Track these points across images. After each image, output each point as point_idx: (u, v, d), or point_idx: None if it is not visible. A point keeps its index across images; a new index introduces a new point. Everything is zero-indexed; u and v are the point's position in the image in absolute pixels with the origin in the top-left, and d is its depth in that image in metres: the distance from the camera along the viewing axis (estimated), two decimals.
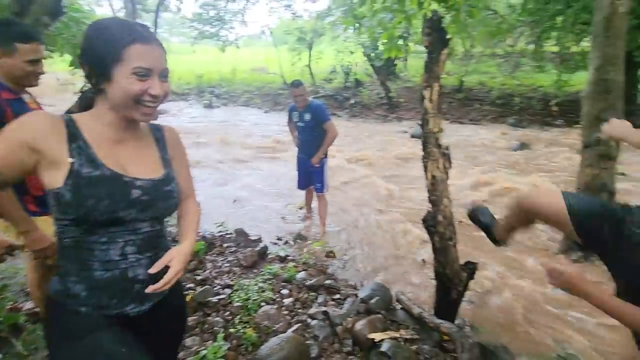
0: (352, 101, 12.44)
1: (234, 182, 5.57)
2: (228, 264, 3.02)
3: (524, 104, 10.39)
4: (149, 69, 0.88)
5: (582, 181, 3.34)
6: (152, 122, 1.03)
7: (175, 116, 11.21)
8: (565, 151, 7.03)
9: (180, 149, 1.12)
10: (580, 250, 3.28)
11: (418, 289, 2.90)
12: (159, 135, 1.07)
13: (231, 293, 2.49)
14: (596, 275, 3.02)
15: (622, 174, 5.13)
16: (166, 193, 0.99)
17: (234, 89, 15.39)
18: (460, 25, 3.25)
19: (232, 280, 2.70)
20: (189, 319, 2.23)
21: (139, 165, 0.97)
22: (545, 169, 6.04)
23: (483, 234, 1.89)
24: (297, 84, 3.56)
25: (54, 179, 0.85)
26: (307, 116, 3.58)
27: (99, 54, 0.87)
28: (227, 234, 3.64)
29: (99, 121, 0.92)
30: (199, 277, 2.71)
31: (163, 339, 1.07)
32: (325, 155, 3.69)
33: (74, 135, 0.88)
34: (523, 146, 7.42)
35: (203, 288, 2.47)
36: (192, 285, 2.61)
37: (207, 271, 2.86)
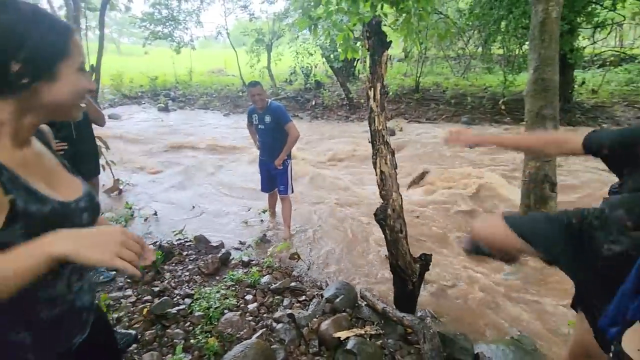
0: (313, 102, 12.49)
1: (193, 187, 5.38)
2: (188, 273, 2.90)
3: (475, 103, 10.99)
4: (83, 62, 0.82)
5: (526, 173, 3.59)
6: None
7: (128, 121, 10.63)
8: None
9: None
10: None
11: (383, 284, 2.96)
12: (45, 139, 0.92)
13: (191, 302, 2.39)
14: (541, 261, 3.26)
15: (559, 165, 5.58)
16: (97, 205, 0.92)
17: (191, 92, 14.88)
18: (411, 28, 3.36)
19: (192, 290, 2.60)
20: (146, 333, 2.11)
21: (61, 182, 0.85)
22: (495, 162, 6.43)
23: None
24: (254, 84, 3.52)
25: None
26: (267, 118, 3.54)
27: (42, 47, 0.72)
28: (186, 241, 3.50)
29: None
30: (156, 289, 2.58)
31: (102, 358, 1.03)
32: (289, 157, 3.67)
33: None
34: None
35: (161, 300, 2.35)
36: (149, 297, 2.48)
37: (166, 282, 2.72)
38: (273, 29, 14.26)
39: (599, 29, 9.54)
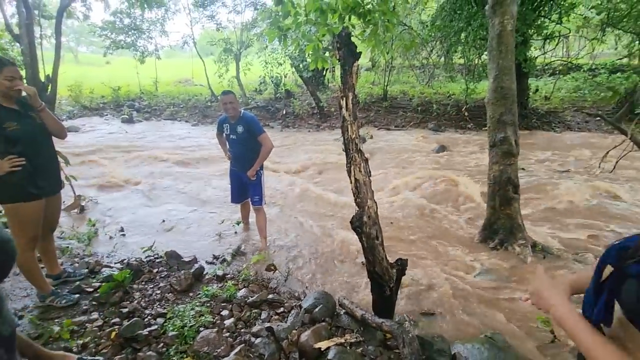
0: (284, 112, 12.50)
1: (162, 200, 5.18)
2: (159, 291, 2.77)
3: (440, 110, 11.45)
4: None
5: (491, 176, 3.77)
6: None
7: (89, 133, 10.12)
8: (477, 151, 7.89)
9: None
10: (496, 238, 3.69)
11: (361, 291, 2.97)
12: None
13: (164, 322, 2.28)
14: (509, 260, 3.41)
15: (522, 169, 5.91)
16: None
17: (157, 102, 14.43)
18: (377, 39, 3.46)
19: (165, 308, 2.48)
20: (115, 358, 1.99)
21: None
22: (461, 167, 6.70)
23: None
24: (227, 92, 3.48)
25: None
26: (240, 128, 3.49)
27: None
28: (156, 258, 3.35)
29: None
30: (125, 310, 2.44)
31: None
32: (262, 167, 3.63)
33: None
34: (442, 148, 8.14)
35: (130, 321, 2.22)
36: (117, 320, 2.34)
37: (135, 302, 2.58)
38: (241, 38, 14.20)
39: (548, 41, 10.30)
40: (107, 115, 13.00)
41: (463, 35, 9.66)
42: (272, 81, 13.56)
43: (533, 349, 2.30)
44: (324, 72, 14.46)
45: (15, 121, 2.27)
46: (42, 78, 9.52)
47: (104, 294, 2.59)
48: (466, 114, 10.71)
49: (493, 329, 2.47)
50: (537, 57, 10.72)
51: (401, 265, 2.31)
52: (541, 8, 9.24)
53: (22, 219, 2.34)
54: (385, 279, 2.22)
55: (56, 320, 2.36)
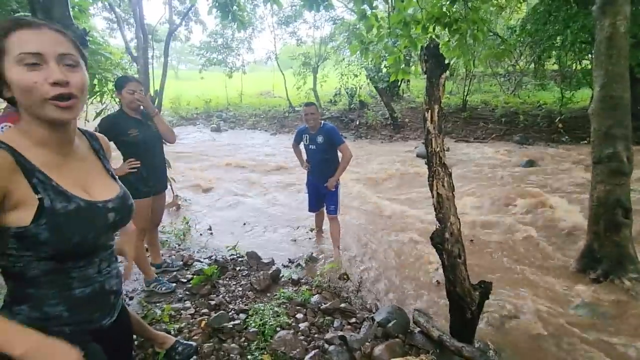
0: (357, 122, 12.60)
1: (244, 204, 5.61)
2: (241, 288, 3.00)
3: (528, 121, 10.44)
4: (39, 53, 0.76)
5: (594, 197, 3.32)
6: (86, 129, 1.00)
7: (184, 140, 11.43)
8: (573, 168, 7.00)
9: (110, 158, 1.09)
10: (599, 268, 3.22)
11: (434, 311, 2.84)
12: (97, 146, 1.02)
13: (246, 318, 2.46)
14: (616, 295, 2.95)
15: (633, 190, 5.07)
16: (130, 207, 1.03)
17: (241, 113, 15.73)
18: (464, 49, 3.33)
19: (246, 305, 2.67)
20: (205, 345, 2.20)
21: (97, 184, 0.94)
22: (555, 185, 6.00)
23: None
24: (309, 104, 3.63)
25: (17, 217, 0.78)
26: (320, 139, 3.61)
27: None
28: (239, 257, 3.63)
29: (30, 140, 0.82)
30: (212, 302, 2.69)
31: (122, 349, 1.11)
32: None
33: (25, 167, 0.79)
34: (530, 163, 7.40)
35: (217, 313, 2.44)
36: (206, 310, 2.59)
37: (221, 296, 2.83)
38: (319, 52, 14.78)
39: None
40: (199, 124, 14.56)
41: (559, 39, 8.72)
42: (347, 92, 13.81)
43: None
44: (399, 83, 14.26)
45: (137, 129, 2.68)
46: (152, 93, 11.12)
47: (196, 285, 2.89)
48: (560, 125, 9.58)
49: None
50: None
51: (485, 288, 2.16)
52: None
53: (134, 214, 2.74)
54: (466, 301, 2.10)
55: (157, 305, 2.70)
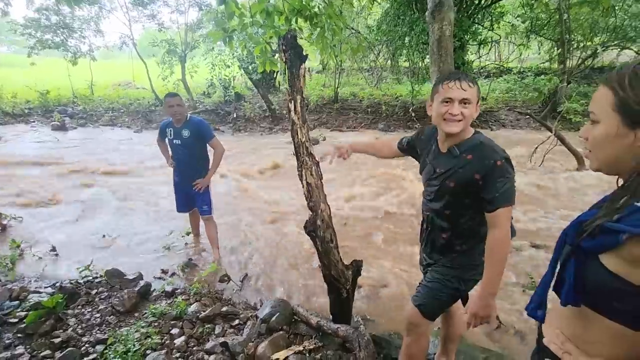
0: (234, 115, 12.17)
1: (102, 214, 4.77)
2: (99, 315, 2.53)
3: (389, 111, 11.86)
4: None
5: None
6: None
7: (12, 142, 9.06)
8: None
9: None
10: None
11: (318, 295, 2.95)
12: None
13: (104, 349, 2.08)
14: None
15: None
16: None
17: (93, 107, 13.32)
18: (325, 42, 3.48)
19: (105, 333, 2.26)
20: None
21: None
22: (414, 164, 6.97)
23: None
24: (173, 94, 3.30)
25: None
26: (186, 132, 3.30)
27: None
28: (95, 277, 3.05)
29: None
30: (57, 340, 2.18)
31: None
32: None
33: None
34: None
35: (64, 352, 1.99)
36: (47, 352, 2.08)
37: (70, 329, 2.32)
38: (186, 39, 13.59)
39: (482, 46, 11.14)
40: (34, 121, 11.74)
41: (407, 39, 10.11)
42: (220, 84, 13.14)
43: (482, 338, 2.43)
44: (275, 74, 14.33)
45: None
46: None
47: (32, 324, 2.30)
48: (413, 114, 11.21)
49: None
50: (473, 61, 11.55)
51: (357, 267, 2.32)
52: (475, 15, 9.98)
53: None
54: (341, 282, 2.22)
55: None
